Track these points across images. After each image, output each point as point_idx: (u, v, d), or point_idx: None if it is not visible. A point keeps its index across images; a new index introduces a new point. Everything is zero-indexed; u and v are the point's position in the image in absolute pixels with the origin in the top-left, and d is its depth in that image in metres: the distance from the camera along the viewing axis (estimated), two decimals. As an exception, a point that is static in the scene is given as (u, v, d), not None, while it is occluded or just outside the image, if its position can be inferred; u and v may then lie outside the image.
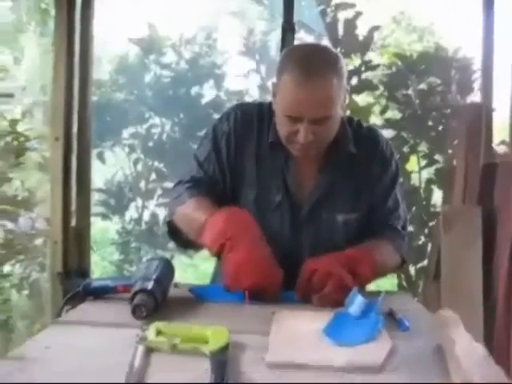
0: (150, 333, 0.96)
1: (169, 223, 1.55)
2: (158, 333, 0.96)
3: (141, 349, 0.91)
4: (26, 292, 3.20)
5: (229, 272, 1.28)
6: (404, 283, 3.50)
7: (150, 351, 0.92)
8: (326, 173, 1.50)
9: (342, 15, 3.39)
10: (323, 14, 3.29)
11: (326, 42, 3.34)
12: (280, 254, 1.34)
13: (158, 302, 1.13)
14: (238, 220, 1.33)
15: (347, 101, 1.51)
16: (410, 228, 3.48)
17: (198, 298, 1.30)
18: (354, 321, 1.06)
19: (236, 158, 1.51)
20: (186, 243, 1.53)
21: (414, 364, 0.92)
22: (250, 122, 1.51)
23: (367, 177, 1.51)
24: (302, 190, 1.50)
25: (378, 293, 1.28)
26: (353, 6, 3.43)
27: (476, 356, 0.81)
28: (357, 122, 1.58)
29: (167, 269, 1.28)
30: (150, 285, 1.14)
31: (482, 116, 2.49)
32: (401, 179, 1.66)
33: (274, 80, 1.44)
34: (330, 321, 1.04)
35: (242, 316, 1.17)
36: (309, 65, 1.33)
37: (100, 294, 1.27)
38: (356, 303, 1.12)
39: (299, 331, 1.02)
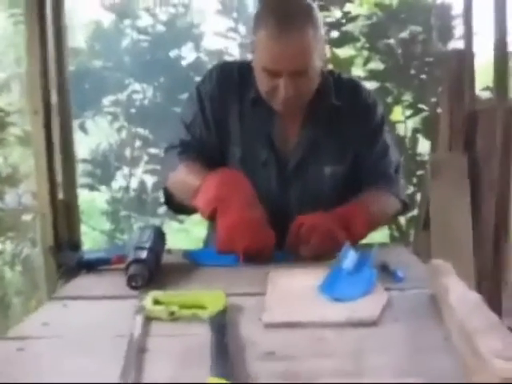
0: (148, 302, 0.96)
1: (164, 190, 1.56)
2: (156, 302, 0.96)
3: (139, 318, 0.92)
4: (18, 268, 3.20)
5: (221, 236, 1.28)
6: (395, 233, 3.54)
7: (148, 320, 0.93)
8: (310, 126, 1.49)
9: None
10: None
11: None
12: (269, 211, 1.34)
13: (152, 270, 1.13)
14: (230, 182, 1.33)
15: (328, 53, 1.50)
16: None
17: (192, 262, 1.31)
18: (347, 276, 1.07)
19: (221, 116, 1.50)
20: (181, 208, 1.53)
21: (410, 315, 0.94)
22: (232, 79, 1.50)
23: (352, 127, 1.50)
24: (288, 144, 1.49)
25: (370, 246, 1.30)
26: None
27: (470, 303, 0.82)
28: (338, 74, 1.57)
29: (159, 237, 1.28)
30: (143, 254, 1.14)
31: (464, 62, 2.48)
32: (387, 127, 1.63)
33: (253, 36, 1.42)
34: (324, 277, 1.05)
35: (237, 278, 1.17)
36: (284, 17, 1.33)
37: (94, 266, 1.27)
38: (349, 258, 1.13)
39: (294, 289, 1.03)
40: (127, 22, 3.51)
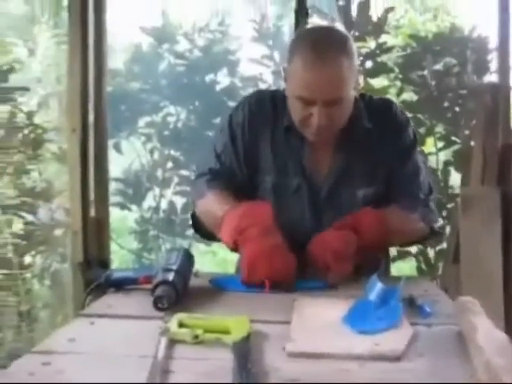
0: (173, 324, 0.97)
1: (192, 215, 1.58)
2: (181, 324, 0.97)
3: (164, 340, 0.93)
4: (47, 282, 3.25)
5: (244, 267, 1.30)
6: (423, 266, 3.49)
7: (173, 343, 0.94)
8: (342, 152, 1.50)
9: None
10: (337, -3, 3.26)
11: (339, 25, 3.31)
12: (302, 237, 1.37)
13: (179, 293, 1.14)
14: (250, 214, 1.34)
15: (361, 83, 1.51)
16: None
17: (218, 288, 1.32)
18: (374, 308, 1.06)
19: (252, 146, 1.52)
20: (209, 235, 1.55)
21: (435, 351, 0.92)
22: (264, 108, 1.52)
23: (383, 147, 1.50)
24: (320, 171, 1.50)
25: (397, 279, 1.29)
26: (367, -13, 3.39)
27: (497, 342, 0.81)
28: (369, 96, 1.58)
29: (187, 259, 1.29)
30: (170, 276, 1.16)
31: (499, 96, 2.46)
32: (419, 147, 1.62)
33: (285, 64, 1.45)
34: (350, 309, 1.05)
35: (262, 305, 1.18)
36: (319, 47, 1.34)
37: (122, 285, 1.29)
38: (376, 290, 1.12)
39: (320, 319, 1.03)
40: (165, 45, 3.59)
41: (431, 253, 3.48)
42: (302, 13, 2.42)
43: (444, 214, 3.45)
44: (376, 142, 1.49)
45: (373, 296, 1.10)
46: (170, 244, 3.64)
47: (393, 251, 3.60)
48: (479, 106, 2.58)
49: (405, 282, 1.16)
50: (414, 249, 3.53)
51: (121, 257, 4.19)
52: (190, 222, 1.62)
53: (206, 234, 1.57)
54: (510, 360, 0.75)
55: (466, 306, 0.98)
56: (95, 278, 1.34)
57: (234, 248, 1.36)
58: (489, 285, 2.29)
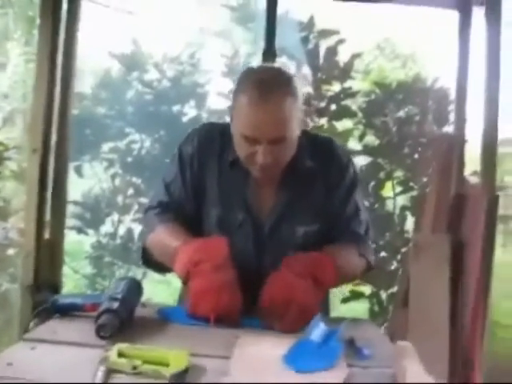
0: (112, 354, 0.97)
1: (143, 249, 1.58)
2: (120, 354, 0.98)
3: (102, 369, 0.93)
4: (-5, 302, 3.18)
5: (189, 300, 1.31)
6: (376, 308, 3.53)
7: (111, 372, 0.94)
8: (285, 189, 1.52)
9: (325, 42, 3.45)
10: (305, 40, 3.34)
11: (306, 68, 3.39)
12: (245, 272, 1.37)
13: (122, 322, 1.14)
14: (206, 249, 1.36)
15: (310, 123, 1.54)
16: (383, 253, 3.53)
17: (164, 319, 1.32)
18: (314, 348, 1.08)
19: (200, 178, 1.53)
20: (158, 267, 1.55)
21: (368, 393, 0.95)
22: (213, 141, 1.53)
23: (325, 186, 1.53)
24: (263, 207, 1.52)
25: (340, 320, 1.31)
26: (336, 32, 3.49)
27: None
28: (312, 135, 1.62)
29: (135, 289, 1.30)
30: (115, 305, 1.16)
31: (454, 147, 2.55)
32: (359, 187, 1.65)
33: (231, 103, 1.47)
34: (290, 348, 1.07)
35: (205, 339, 1.18)
36: (263, 86, 1.36)
37: (68, 311, 1.28)
38: (318, 330, 1.14)
39: (261, 357, 1.04)
40: (135, 73, 3.62)
41: (384, 295, 3.53)
42: (269, 53, 2.49)
43: (398, 257, 3.52)
44: (318, 181, 1.53)
45: (314, 336, 1.12)
46: (124, 271, 3.61)
47: (345, 292, 3.65)
48: (435, 156, 2.67)
49: (347, 323, 1.19)
50: (367, 290, 3.58)
51: (75, 281, 4.13)
52: (141, 255, 1.61)
53: (155, 266, 1.57)
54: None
55: (401, 351, 1.01)
56: (43, 301, 1.33)
57: (186, 280, 1.37)
58: (435, 330, 2.33)
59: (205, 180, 1.53)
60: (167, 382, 0.89)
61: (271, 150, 1.38)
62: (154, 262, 1.56)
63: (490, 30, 2.59)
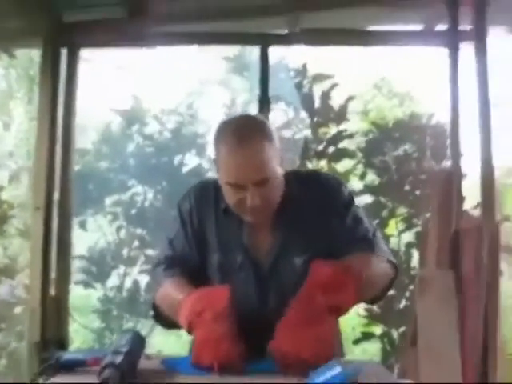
0: (115, 407, 0.98)
1: (153, 306, 1.61)
2: (123, 407, 0.98)
3: (105, 423, 0.93)
4: (3, 362, 3.17)
5: (193, 350, 1.33)
6: (388, 348, 3.49)
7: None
8: (279, 227, 1.54)
9: (320, 86, 3.52)
10: (299, 86, 3.43)
11: (302, 113, 3.46)
12: (250, 314, 1.40)
13: (126, 376, 1.15)
14: (207, 298, 1.38)
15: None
16: (392, 292, 3.51)
17: (169, 370, 1.33)
18: None
19: (200, 229, 1.58)
20: (169, 324, 1.56)
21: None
22: (208, 194, 1.59)
23: (318, 212, 1.53)
24: (260, 247, 1.54)
25: (350, 362, 1.31)
26: (330, 77, 3.58)
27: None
28: (297, 171, 1.67)
29: (138, 341, 1.30)
30: (118, 359, 1.16)
31: (451, 181, 2.57)
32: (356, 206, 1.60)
33: (214, 155, 1.53)
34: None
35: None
36: (238, 133, 1.42)
37: (71, 366, 1.29)
38: (322, 375, 1.14)
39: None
40: (135, 127, 3.69)
41: (395, 334, 3.49)
42: (264, 100, 2.55)
43: (407, 294, 3.50)
44: (309, 207, 1.54)
45: (319, 378, 1.12)
46: (133, 324, 3.60)
47: (357, 333, 3.63)
48: (433, 191, 2.69)
49: (358, 366, 1.19)
50: (378, 330, 3.55)
51: (83, 336, 4.11)
52: (152, 313, 1.64)
53: (166, 322, 1.59)
54: None
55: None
56: (49, 358, 1.34)
57: (190, 331, 1.39)
58: (446, 367, 2.31)
59: (205, 231, 1.58)
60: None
61: (258, 193, 1.42)
62: (164, 318, 1.58)
63: (479, 63, 2.65)
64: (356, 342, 3.53)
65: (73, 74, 2.66)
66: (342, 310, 1.35)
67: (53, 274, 2.53)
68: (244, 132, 1.43)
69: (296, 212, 1.54)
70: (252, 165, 1.41)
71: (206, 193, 1.61)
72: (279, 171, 1.48)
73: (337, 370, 1.13)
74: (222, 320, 1.32)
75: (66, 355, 1.32)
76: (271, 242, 1.54)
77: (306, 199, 1.55)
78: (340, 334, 1.70)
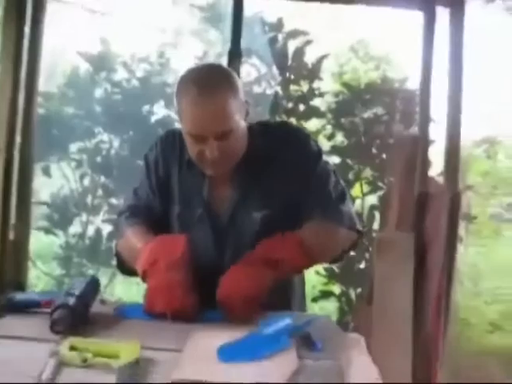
0: (64, 347, 0.98)
1: (116, 254, 1.62)
2: (72, 348, 0.98)
3: (52, 362, 0.94)
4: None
5: (146, 298, 1.34)
6: (345, 307, 3.57)
7: (61, 365, 0.95)
8: (240, 180, 1.53)
9: (294, 43, 3.47)
10: (273, 40, 3.37)
11: (274, 69, 3.42)
12: (207, 266, 1.42)
13: (77, 317, 1.15)
14: (163, 247, 1.39)
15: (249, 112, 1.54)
16: (352, 252, 3.56)
17: (121, 316, 1.33)
18: (255, 340, 1.10)
19: (164, 179, 1.58)
20: (132, 271, 1.56)
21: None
22: (174, 145, 1.58)
23: (284, 166, 1.52)
24: (220, 201, 1.54)
25: (302, 316, 1.34)
26: (305, 33, 3.52)
27: (367, 378, 0.86)
28: (265, 122, 1.65)
29: (92, 286, 1.31)
30: (70, 300, 1.17)
31: (417, 146, 2.59)
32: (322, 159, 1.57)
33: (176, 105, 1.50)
34: (237, 341, 1.09)
35: (160, 333, 1.20)
36: (201, 83, 1.40)
37: (24, 307, 1.28)
38: (274, 324, 1.16)
39: (211, 349, 1.05)
40: (103, 73, 3.60)
41: (353, 294, 3.57)
42: (235, 54, 2.50)
43: (367, 256, 3.56)
44: (275, 164, 1.52)
45: (267, 329, 1.14)
46: (94, 272, 3.58)
47: (316, 292, 3.69)
48: (398, 155, 2.71)
49: (306, 319, 1.23)
50: (337, 290, 3.62)
51: (45, 282, 4.09)
52: (115, 261, 1.65)
53: (127, 270, 1.59)
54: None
55: (350, 343, 1.04)
56: (3, 298, 1.34)
57: (144, 278, 1.40)
58: (399, 327, 2.36)
59: (169, 181, 1.58)
60: (116, 373, 0.90)
61: (218, 145, 1.40)
62: (125, 266, 1.58)
63: (454, 31, 2.64)
64: (315, 299, 3.60)
65: (39, 15, 2.56)
66: (279, 265, 1.38)
67: (13, 219, 2.49)
68: (206, 82, 1.41)
69: (259, 166, 1.52)
70: (213, 116, 1.39)
71: (172, 143, 1.59)
72: (242, 124, 1.47)
73: (286, 321, 1.16)
74: (177, 268, 1.33)
75: (20, 296, 1.32)
76: (231, 195, 1.54)
77: (271, 153, 1.52)
78: (305, 294, 1.75)
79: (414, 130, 3.60)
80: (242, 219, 1.52)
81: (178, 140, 1.56)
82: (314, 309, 3.88)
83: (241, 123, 1.45)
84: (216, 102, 1.39)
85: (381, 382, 0.87)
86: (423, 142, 2.71)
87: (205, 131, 1.40)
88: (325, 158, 1.60)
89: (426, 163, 2.73)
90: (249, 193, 1.53)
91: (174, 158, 1.58)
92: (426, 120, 2.78)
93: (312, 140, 1.60)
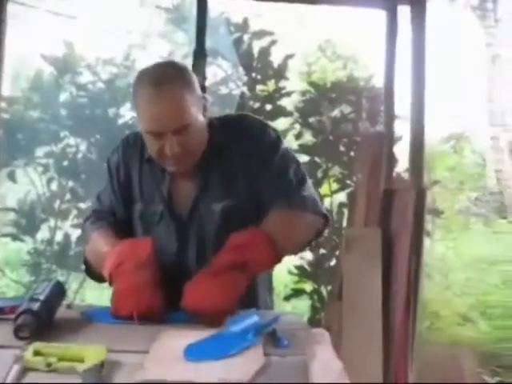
0: (28, 353, 0.97)
1: (84, 260, 1.61)
2: (36, 353, 0.98)
3: (16, 368, 0.93)
4: None
5: (112, 301, 1.34)
6: (317, 304, 3.59)
7: (26, 371, 0.94)
8: (200, 175, 1.52)
9: (259, 43, 3.49)
10: (239, 41, 3.39)
11: (241, 69, 3.43)
12: (170, 265, 1.43)
13: (42, 322, 1.14)
14: (129, 250, 1.39)
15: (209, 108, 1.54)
16: (322, 250, 3.60)
17: (88, 319, 1.32)
18: (222, 338, 1.10)
19: (126, 181, 1.59)
20: (99, 277, 1.55)
21: (281, 379, 0.98)
22: (135, 146, 1.59)
23: (240, 156, 1.51)
24: (181, 197, 1.54)
25: (270, 314, 1.34)
26: (270, 33, 3.55)
27: (331, 371, 0.88)
28: (223, 116, 1.64)
29: (57, 290, 1.29)
30: (35, 306, 1.16)
31: (382, 143, 2.63)
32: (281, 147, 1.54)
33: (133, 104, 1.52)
34: (204, 339, 1.09)
35: (127, 336, 1.19)
36: (155, 81, 1.41)
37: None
38: (241, 322, 1.17)
39: (177, 349, 1.06)
40: (67, 76, 3.57)
41: (324, 291, 3.59)
42: (200, 54, 2.51)
43: (337, 253, 3.59)
44: (232, 155, 1.52)
45: (233, 327, 1.15)
46: (64, 278, 3.55)
47: (288, 290, 3.71)
48: (364, 152, 2.74)
49: (277, 317, 1.23)
50: (308, 287, 3.64)
51: (15, 290, 4.03)
52: (83, 267, 1.64)
53: (96, 276, 1.59)
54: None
55: (314, 337, 1.05)
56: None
57: (111, 282, 1.40)
58: (369, 323, 2.39)
59: (130, 182, 1.59)
60: (81, 378, 0.90)
61: (178, 141, 1.41)
62: (94, 272, 1.58)
63: (415, 29, 2.68)
64: (287, 298, 3.62)
65: (1, 18, 2.53)
66: (249, 266, 1.35)
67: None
68: (161, 79, 1.41)
69: (219, 159, 1.52)
70: (169, 112, 1.40)
71: (133, 144, 1.60)
72: (200, 119, 1.47)
73: (253, 318, 1.16)
74: (143, 270, 1.34)
75: (-18, 303, 1.29)
76: (190, 190, 1.53)
77: (229, 145, 1.53)
78: (272, 290, 1.74)
79: (380, 127, 3.66)
80: (202, 213, 1.52)
81: (139, 141, 1.56)
82: (287, 307, 3.90)
83: (199, 117, 1.46)
84: (171, 97, 1.40)
85: (345, 376, 0.88)
86: (388, 139, 2.76)
87: (163, 128, 1.40)
88: (284, 145, 1.57)
89: (391, 160, 2.78)
90: (209, 186, 1.52)
91: (134, 159, 1.58)
92: (390, 117, 2.83)
93: (269, 129, 1.58)
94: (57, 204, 3.62)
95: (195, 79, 1.49)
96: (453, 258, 5.72)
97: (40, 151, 3.64)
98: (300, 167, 1.56)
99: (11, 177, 3.52)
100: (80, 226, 1.77)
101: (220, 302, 1.27)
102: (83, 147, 3.60)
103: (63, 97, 3.63)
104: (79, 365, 0.94)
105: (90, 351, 0.98)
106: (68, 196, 3.60)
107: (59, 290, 1.30)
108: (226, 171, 1.52)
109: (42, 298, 1.20)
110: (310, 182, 1.57)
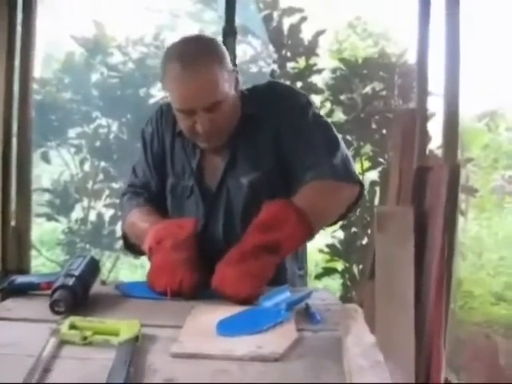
0: (64, 326, 0.99)
1: (123, 236, 1.64)
2: (72, 326, 0.99)
3: (52, 341, 0.94)
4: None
5: (149, 274, 1.35)
6: (348, 282, 3.58)
7: (62, 344, 0.95)
8: (230, 148, 1.49)
9: (289, 20, 3.45)
10: (269, 18, 3.35)
11: (271, 47, 3.40)
12: (199, 238, 1.40)
13: (78, 297, 1.16)
14: (171, 227, 1.40)
15: (241, 82, 1.49)
16: (354, 229, 3.57)
17: (124, 294, 1.34)
18: (255, 314, 1.11)
19: (159, 153, 1.60)
20: (138, 251, 1.57)
21: (315, 354, 0.98)
22: (168, 118, 1.58)
23: (272, 129, 1.47)
24: (210, 171, 1.54)
25: (302, 290, 1.33)
26: (300, 10, 3.50)
27: (364, 345, 0.87)
28: (253, 86, 1.58)
29: (91, 266, 1.31)
30: (70, 281, 1.17)
31: (415, 120, 2.57)
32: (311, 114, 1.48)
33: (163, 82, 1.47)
34: (236, 315, 1.10)
35: (160, 311, 1.21)
36: (184, 58, 1.37)
37: (25, 290, 1.29)
38: (270, 298, 1.17)
39: (212, 324, 1.06)
40: (98, 57, 3.59)
41: (356, 270, 3.58)
42: (230, 32, 2.48)
43: (369, 232, 3.57)
44: (262, 124, 1.47)
45: (266, 303, 1.15)
46: (98, 256, 3.61)
47: (319, 269, 3.70)
48: (397, 130, 2.69)
49: (310, 293, 1.23)
50: (339, 266, 3.63)
51: (51, 269, 4.12)
52: (122, 241, 1.67)
53: (135, 250, 1.61)
54: (372, 361, 0.81)
55: (347, 313, 1.04)
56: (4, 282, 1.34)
57: (150, 257, 1.41)
58: (401, 301, 2.37)
59: (164, 155, 1.59)
60: (116, 350, 0.91)
61: (209, 118, 1.39)
62: (133, 246, 1.60)
63: (449, 2, 2.61)
64: (318, 277, 3.61)
65: (31, 1, 2.53)
66: (280, 246, 1.31)
67: (13, 206, 2.49)
68: (189, 56, 1.37)
69: (249, 132, 1.49)
70: (199, 90, 1.36)
71: (166, 117, 1.58)
72: (232, 94, 1.43)
73: (285, 294, 1.16)
74: (182, 248, 1.34)
75: (20, 278, 1.32)
76: (219, 164, 1.52)
77: (260, 116, 1.49)
78: (306, 261, 1.69)
79: (413, 104, 3.59)
80: (230, 187, 1.50)
81: (171, 113, 1.53)
82: (318, 286, 3.91)
83: (230, 92, 1.42)
84: (200, 75, 1.36)
85: (377, 350, 0.87)
86: (421, 116, 2.71)
87: (193, 106, 1.38)
88: (315, 109, 1.52)
89: (424, 137, 2.72)
90: (237, 159, 1.50)
91: (167, 131, 1.58)
92: (423, 94, 2.76)
93: (298, 94, 1.55)
94: (90, 184, 3.67)
95: (225, 52, 1.44)
96: (486, 238, 5.65)
97: (72, 132, 3.69)
98: (332, 132, 1.50)
99: (45, 158, 3.58)
100: (115, 205, 1.78)
101: (243, 291, 1.24)
102: (115, 127, 3.63)
103: (94, 77, 3.66)
104: (114, 338, 0.95)
105: (124, 325, 0.99)
106: (101, 176, 3.64)
107: (94, 266, 1.32)
108: (255, 143, 1.48)
109: (76, 273, 1.21)
110: (343, 146, 1.49)
